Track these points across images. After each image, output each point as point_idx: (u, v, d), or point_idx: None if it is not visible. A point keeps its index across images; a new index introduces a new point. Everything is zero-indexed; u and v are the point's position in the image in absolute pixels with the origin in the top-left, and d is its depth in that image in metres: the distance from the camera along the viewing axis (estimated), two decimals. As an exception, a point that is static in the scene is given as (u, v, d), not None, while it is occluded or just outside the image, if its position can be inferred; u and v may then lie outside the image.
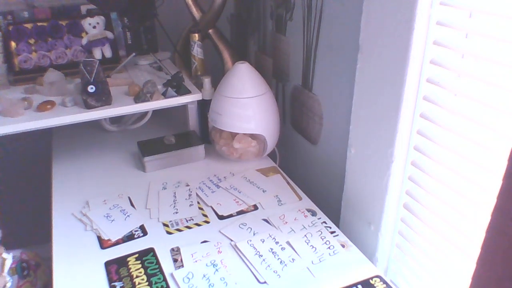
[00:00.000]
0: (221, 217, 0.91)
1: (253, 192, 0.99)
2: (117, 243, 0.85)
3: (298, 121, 1.12)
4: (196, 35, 1.20)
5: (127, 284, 0.75)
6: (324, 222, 0.89)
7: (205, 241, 0.84)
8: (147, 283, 0.75)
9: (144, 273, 0.76)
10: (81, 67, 1.00)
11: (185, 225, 0.89)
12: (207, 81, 1.14)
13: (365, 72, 0.78)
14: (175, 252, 0.81)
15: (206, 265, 0.78)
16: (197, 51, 1.22)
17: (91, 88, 1.01)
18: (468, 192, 0.64)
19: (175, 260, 0.79)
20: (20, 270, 0.89)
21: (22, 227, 1.09)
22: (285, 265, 0.78)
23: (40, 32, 1.24)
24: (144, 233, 0.87)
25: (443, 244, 0.71)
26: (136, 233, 0.87)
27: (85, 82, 1.00)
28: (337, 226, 0.89)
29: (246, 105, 1.02)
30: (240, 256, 0.80)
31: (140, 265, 0.78)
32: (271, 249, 0.81)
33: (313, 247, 0.82)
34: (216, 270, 0.77)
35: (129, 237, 0.86)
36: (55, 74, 1.14)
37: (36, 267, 0.92)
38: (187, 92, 1.14)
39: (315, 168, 1.08)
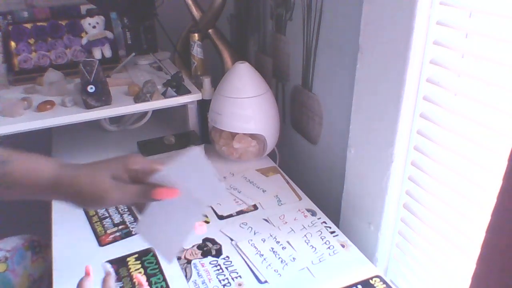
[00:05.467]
0: (221, 217, 0.91)
1: (253, 192, 0.99)
2: (115, 240, 0.85)
3: (298, 121, 1.12)
4: (196, 35, 1.20)
5: (127, 284, 0.75)
6: (324, 222, 0.89)
7: (205, 241, 0.84)
8: (147, 283, 0.74)
9: (144, 273, 0.76)
10: (80, 67, 1.00)
11: (185, 225, 0.89)
12: (207, 81, 1.13)
13: (365, 72, 0.78)
14: (175, 252, 0.81)
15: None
16: (197, 51, 1.22)
17: (90, 88, 1.00)
18: (468, 192, 0.64)
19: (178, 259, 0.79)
20: (33, 247, 0.96)
21: (22, 227, 1.09)
22: (286, 264, 0.78)
23: (39, 32, 1.24)
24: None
25: (443, 244, 0.71)
26: (134, 229, 0.87)
27: (85, 82, 1.00)
28: (337, 226, 0.89)
29: (246, 105, 1.02)
30: (241, 256, 0.80)
31: (140, 265, 0.78)
32: (272, 248, 0.81)
33: (313, 247, 0.82)
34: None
35: (127, 233, 0.86)
36: (55, 74, 1.14)
37: (46, 245, 0.99)
38: (187, 92, 1.14)
39: (315, 168, 1.08)
